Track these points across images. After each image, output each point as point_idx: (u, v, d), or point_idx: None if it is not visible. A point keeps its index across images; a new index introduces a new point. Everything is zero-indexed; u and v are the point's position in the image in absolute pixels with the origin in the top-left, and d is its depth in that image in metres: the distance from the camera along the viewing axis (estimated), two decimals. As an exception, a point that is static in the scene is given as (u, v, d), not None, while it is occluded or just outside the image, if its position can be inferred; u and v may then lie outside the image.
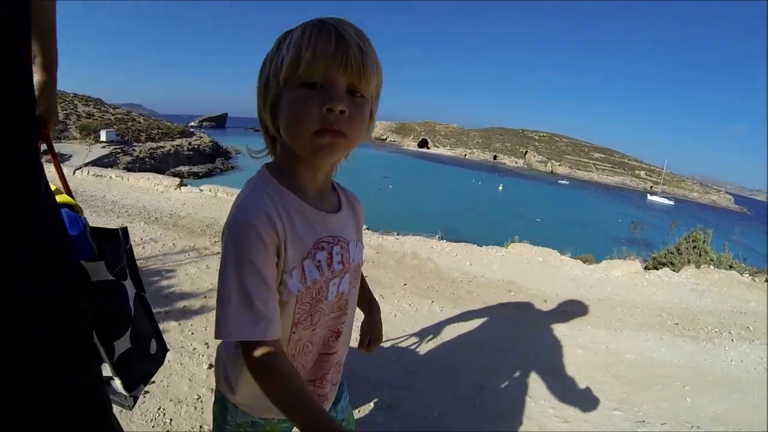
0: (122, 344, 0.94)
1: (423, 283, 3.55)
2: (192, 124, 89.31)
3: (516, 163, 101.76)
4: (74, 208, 0.96)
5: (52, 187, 0.91)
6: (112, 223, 4.00)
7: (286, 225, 0.70)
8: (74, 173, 6.61)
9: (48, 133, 0.99)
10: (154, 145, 40.29)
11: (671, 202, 73.74)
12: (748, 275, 4.41)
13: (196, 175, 38.01)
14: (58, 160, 1.00)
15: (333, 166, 0.80)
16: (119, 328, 0.94)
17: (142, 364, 1.03)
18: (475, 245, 4.59)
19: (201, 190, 5.63)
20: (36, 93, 0.90)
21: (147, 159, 36.84)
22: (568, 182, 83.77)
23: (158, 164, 36.47)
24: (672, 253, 5.15)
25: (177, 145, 42.89)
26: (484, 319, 3.00)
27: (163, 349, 1.14)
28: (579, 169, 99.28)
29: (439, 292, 3.41)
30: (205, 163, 43.56)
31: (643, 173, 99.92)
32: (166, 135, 44.49)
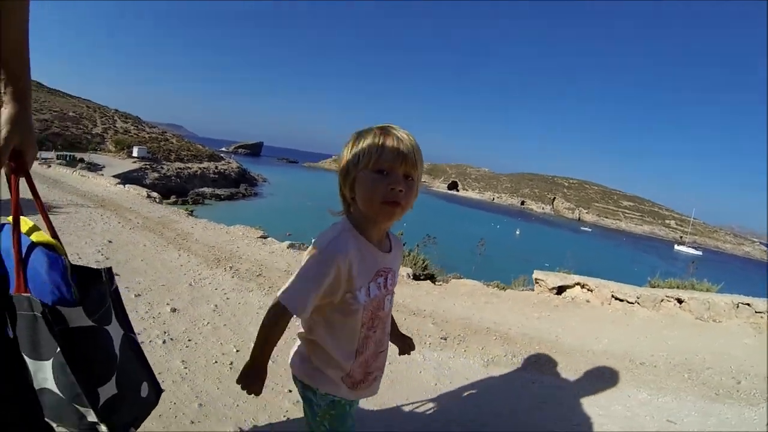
0: (108, 390, 0.93)
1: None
2: (224, 149, 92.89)
3: (543, 209, 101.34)
4: (55, 249, 0.96)
5: (29, 224, 0.96)
6: (64, 198, 6.17)
7: (354, 260, 1.05)
8: (73, 174, 9.53)
9: (26, 168, 0.96)
10: (181, 165, 42.67)
11: (699, 253, 70.79)
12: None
13: (218, 197, 39.41)
14: (43, 204, 1.01)
15: (390, 223, 1.15)
16: (103, 374, 0.94)
17: (131, 408, 1.04)
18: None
19: (124, 187, 8.08)
20: (8, 127, 0.89)
21: (173, 177, 38.90)
22: (590, 230, 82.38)
23: (183, 183, 38.82)
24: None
25: (204, 168, 45.09)
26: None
27: (156, 391, 1.15)
28: (607, 217, 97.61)
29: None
30: (229, 187, 45.11)
31: (673, 223, 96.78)
32: (195, 157, 47.14)
